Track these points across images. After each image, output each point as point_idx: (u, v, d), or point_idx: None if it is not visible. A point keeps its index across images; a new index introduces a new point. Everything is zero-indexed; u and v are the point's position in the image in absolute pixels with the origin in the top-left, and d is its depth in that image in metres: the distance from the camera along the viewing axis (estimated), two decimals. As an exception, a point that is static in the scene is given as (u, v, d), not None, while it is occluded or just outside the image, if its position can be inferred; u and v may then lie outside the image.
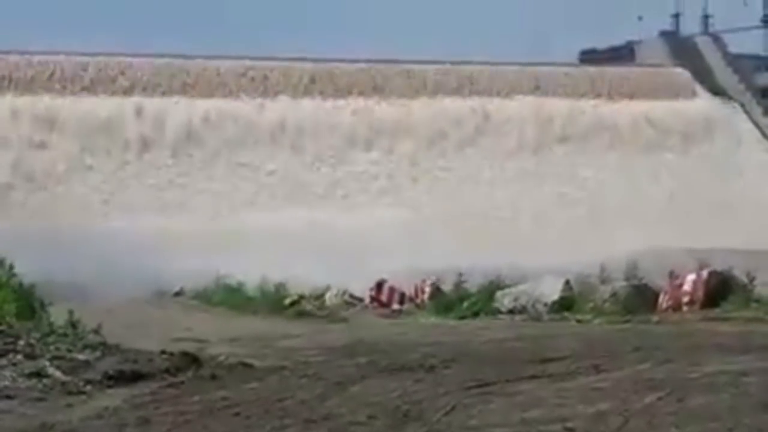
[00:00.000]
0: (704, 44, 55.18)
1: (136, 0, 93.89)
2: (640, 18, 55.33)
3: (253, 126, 45.13)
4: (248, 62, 47.71)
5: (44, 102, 43.33)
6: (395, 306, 20.96)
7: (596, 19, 66.29)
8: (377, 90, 47.42)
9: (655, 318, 15.80)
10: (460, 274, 20.10)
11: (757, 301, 16.28)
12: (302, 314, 18.92)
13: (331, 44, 48.12)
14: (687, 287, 16.74)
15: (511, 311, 17.31)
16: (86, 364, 10.42)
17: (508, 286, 18.69)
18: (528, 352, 11.56)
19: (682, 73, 53.84)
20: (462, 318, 17.45)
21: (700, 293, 16.48)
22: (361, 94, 46.95)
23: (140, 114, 43.98)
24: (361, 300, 21.99)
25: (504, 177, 44.10)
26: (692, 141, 49.85)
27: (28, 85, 44.00)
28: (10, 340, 11.02)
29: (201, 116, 44.64)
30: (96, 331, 11.67)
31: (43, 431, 8.12)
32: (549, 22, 67.07)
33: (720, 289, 16.59)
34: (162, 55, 47.84)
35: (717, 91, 53.56)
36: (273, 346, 12.94)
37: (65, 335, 11.66)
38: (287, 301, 20.31)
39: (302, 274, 22.23)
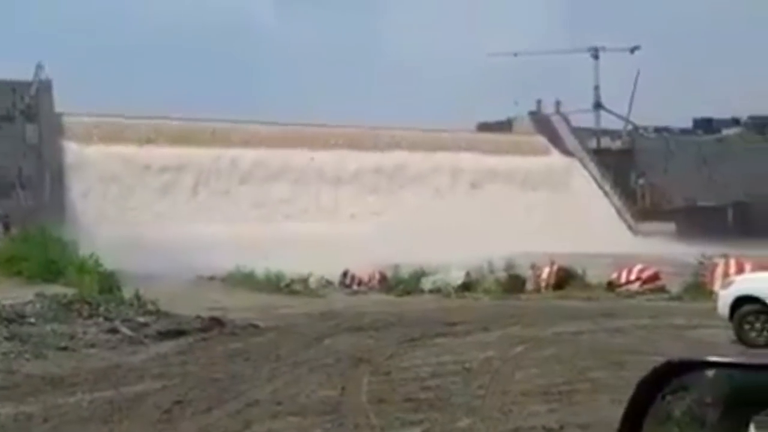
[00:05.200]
0: (557, 120, 56.08)
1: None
2: (516, 103, 56.34)
3: (271, 167, 41.76)
4: (282, 127, 43.89)
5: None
6: (355, 287, 20.71)
7: (488, 102, 66.97)
8: (356, 146, 45.55)
9: (523, 296, 15.92)
10: (397, 266, 19.95)
11: (588, 286, 16.51)
12: (293, 292, 18.64)
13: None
14: (544, 276, 16.88)
15: (431, 291, 17.26)
16: (145, 324, 10.18)
17: (429, 274, 18.62)
18: (441, 318, 11.55)
19: (542, 139, 54.77)
20: (399, 295, 17.32)
21: (552, 280, 16.63)
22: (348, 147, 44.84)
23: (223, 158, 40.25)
24: (332, 283, 21.69)
25: (424, 204, 43.57)
26: (548, 182, 50.48)
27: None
28: (94, 308, 10.75)
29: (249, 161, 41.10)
30: (153, 303, 11.43)
31: (116, 369, 7.91)
32: (457, 103, 67.57)
33: (565, 278, 16.78)
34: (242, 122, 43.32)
35: (564, 151, 54.74)
36: (273, 313, 12.75)
37: (132, 305, 11.39)
38: (283, 283, 19.92)
39: (294, 266, 21.66)
